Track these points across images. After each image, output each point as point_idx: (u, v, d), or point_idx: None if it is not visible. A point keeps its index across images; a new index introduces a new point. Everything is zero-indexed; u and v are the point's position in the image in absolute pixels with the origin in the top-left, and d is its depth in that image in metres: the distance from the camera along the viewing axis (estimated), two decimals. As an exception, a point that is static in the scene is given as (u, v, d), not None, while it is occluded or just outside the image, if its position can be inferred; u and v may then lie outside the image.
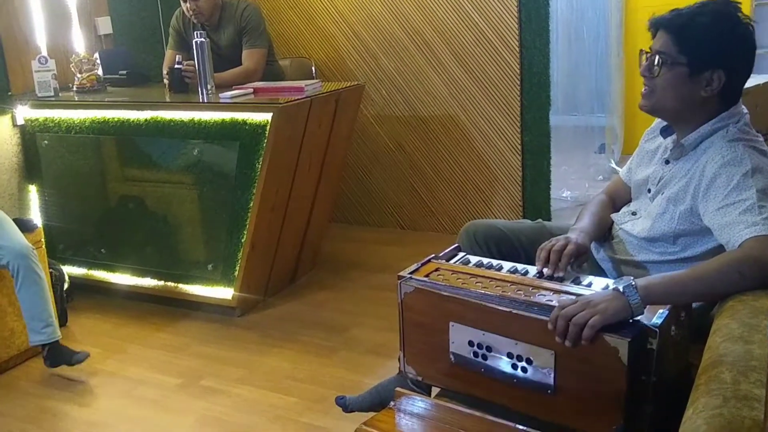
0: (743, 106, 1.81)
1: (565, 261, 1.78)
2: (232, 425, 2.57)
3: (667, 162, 1.85)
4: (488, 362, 1.64)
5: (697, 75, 1.72)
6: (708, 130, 1.76)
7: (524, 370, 1.59)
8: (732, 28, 1.71)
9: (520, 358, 1.59)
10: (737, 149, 1.68)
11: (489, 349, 1.63)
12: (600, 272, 1.94)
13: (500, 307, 1.60)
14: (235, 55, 3.74)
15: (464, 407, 1.60)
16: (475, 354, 1.66)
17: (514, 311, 1.58)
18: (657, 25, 1.77)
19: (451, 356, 1.71)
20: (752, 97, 1.84)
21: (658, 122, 1.97)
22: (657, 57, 1.75)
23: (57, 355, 2.90)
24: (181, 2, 3.67)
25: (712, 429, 1.04)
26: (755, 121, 1.80)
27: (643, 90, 1.81)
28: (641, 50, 1.83)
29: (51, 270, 3.23)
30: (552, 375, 1.54)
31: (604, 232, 2.00)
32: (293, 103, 3.21)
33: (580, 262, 1.84)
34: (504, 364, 1.62)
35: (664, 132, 1.89)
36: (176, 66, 3.58)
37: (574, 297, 1.56)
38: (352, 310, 3.39)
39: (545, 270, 1.79)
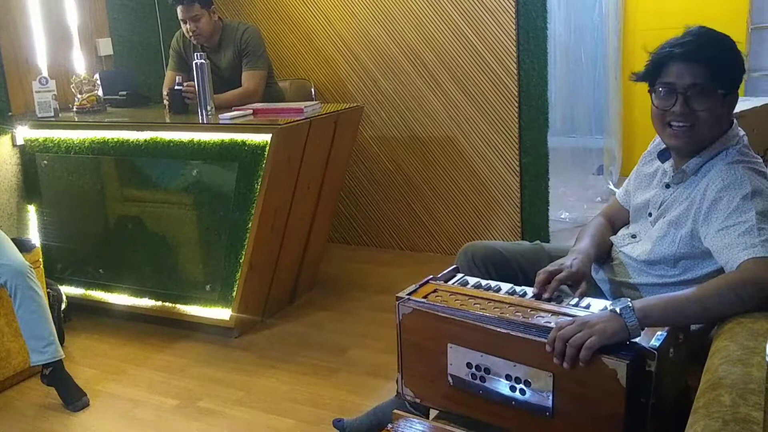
0: (740, 128, 1.82)
1: (554, 285, 1.79)
2: (229, 447, 2.55)
3: (667, 186, 1.86)
4: (486, 384, 1.64)
5: (727, 100, 1.74)
6: (709, 155, 1.77)
7: (522, 392, 1.58)
8: (736, 47, 1.75)
9: (518, 380, 1.58)
10: (737, 172, 1.69)
11: (487, 371, 1.63)
12: (599, 293, 1.94)
13: (498, 329, 1.60)
14: (234, 76, 3.76)
15: (462, 429, 1.60)
16: (474, 376, 1.65)
17: (513, 333, 1.58)
18: (670, 58, 1.72)
19: (449, 378, 1.70)
20: (749, 119, 1.85)
21: (654, 145, 1.97)
22: (691, 90, 1.70)
23: (59, 380, 2.85)
24: (181, 23, 3.70)
25: (711, 452, 1.04)
26: (753, 144, 1.81)
27: (678, 129, 1.74)
28: (650, 90, 1.78)
29: (49, 290, 3.22)
30: (550, 398, 1.54)
31: (603, 255, 2.00)
32: (292, 124, 3.23)
33: (577, 287, 1.83)
34: (502, 387, 1.61)
35: (662, 156, 1.89)
36: (176, 87, 3.60)
37: (571, 318, 1.56)
38: (350, 331, 3.38)
39: (533, 289, 1.81)
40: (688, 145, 1.77)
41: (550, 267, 1.85)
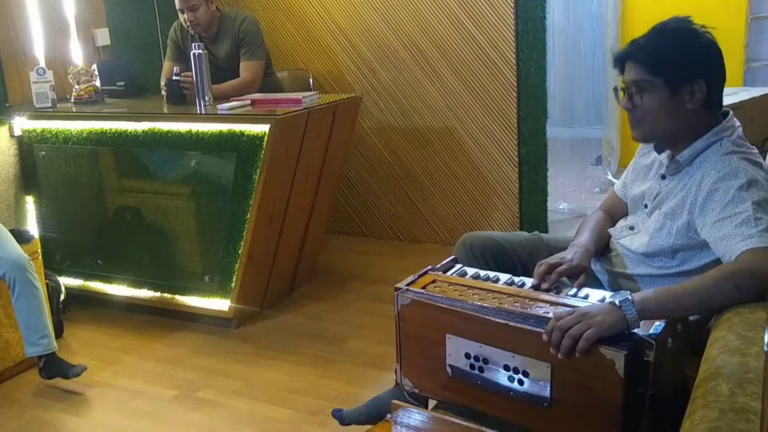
0: (735, 119, 1.82)
1: (554, 277, 1.79)
2: (228, 437, 2.56)
3: (663, 177, 1.86)
4: (485, 374, 1.64)
5: (678, 91, 1.74)
6: (702, 145, 1.77)
7: (521, 382, 1.58)
8: (695, 38, 1.75)
9: (516, 371, 1.59)
10: (732, 162, 1.69)
11: (486, 361, 1.63)
12: (597, 284, 1.95)
13: (497, 319, 1.60)
14: (232, 67, 3.75)
15: (461, 419, 1.60)
16: (472, 366, 1.66)
17: (511, 323, 1.58)
18: (622, 59, 1.80)
19: (448, 368, 1.70)
20: (747, 110, 1.85)
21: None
22: (633, 87, 1.77)
23: (53, 367, 2.88)
24: (179, 13, 3.68)
25: (709, 442, 1.04)
26: (750, 134, 1.81)
27: (631, 122, 1.82)
28: (615, 88, 1.87)
29: (47, 281, 3.22)
30: (548, 388, 1.54)
31: (603, 248, 2.00)
32: (291, 114, 3.22)
33: (576, 280, 1.84)
34: (501, 377, 1.61)
35: (658, 148, 1.90)
36: (174, 78, 3.59)
37: (570, 309, 1.56)
38: (349, 322, 3.38)
39: (532, 281, 1.81)
40: (640, 136, 1.84)
41: (551, 259, 1.85)
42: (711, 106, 1.78)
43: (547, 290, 1.76)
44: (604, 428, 1.48)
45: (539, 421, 1.58)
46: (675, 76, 1.73)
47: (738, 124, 1.81)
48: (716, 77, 1.77)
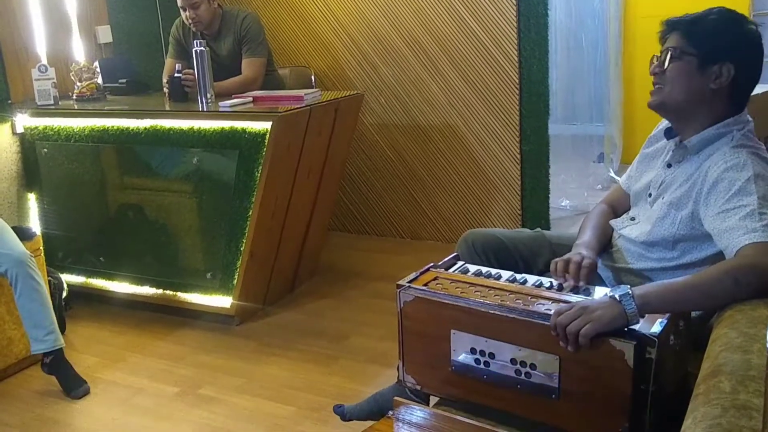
0: (748, 115, 1.82)
1: (585, 272, 1.78)
2: (230, 434, 2.56)
3: (669, 166, 1.86)
4: (491, 369, 1.64)
5: (707, 67, 1.74)
6: (712, 134, 1.77)
7: (528, 375, 1.59)
8: (741, 25, 1.77)
9: (524, 364, 1.59)
10: (741, 155, 1.69)
11: (492, 355, 1.63)
12: (600, 281, 1.94)
13: (503, 314, 1.60)
14: (234, 64, 3.75)
15: (462, 416, 1.60)
16: (478, 361, 1.66)
17: (518, 317, 1.58)
18: (668, 27, 1.82)
19: (452, 364, 1.71)
20: (752, 105, 1.85)
21: (659, 128, 1.97)
22: (668, 52, 1.79)
23: (59, 368, 2.87)
24: (181, 11, 3.68)
25: (711, 438, 1.04)
26: (755, 130, 1.81)
27: (654, 88, 1.83)
28: (653, 56, 1.87)
29: (49, 278, 3.23)
30: (557, 379, 1.55)
31: (606, 243, 2.00)
32: (293, 111, 3.22)
33: (592, 276, 1.84)
34: (508, 370, 1.62)
35: (668, 134, 1.90)
36: (176, 75, 3.59)
37: (570, 304, 1.56)
38: (351, 319, 3.39)
39: (567, 282, 1.77)
40: (654, 103, 1.83)
41: (570, 258, 1.81)
42: (734, 96, 1.77)
43: (580, 290, 1.74)
44: (613, 418, 1.49)
45: (547, 413, 1.58)
46: (707, 52, 1.74)
47: (750, 119, 1.81)
48: (748, 67, 1.77)
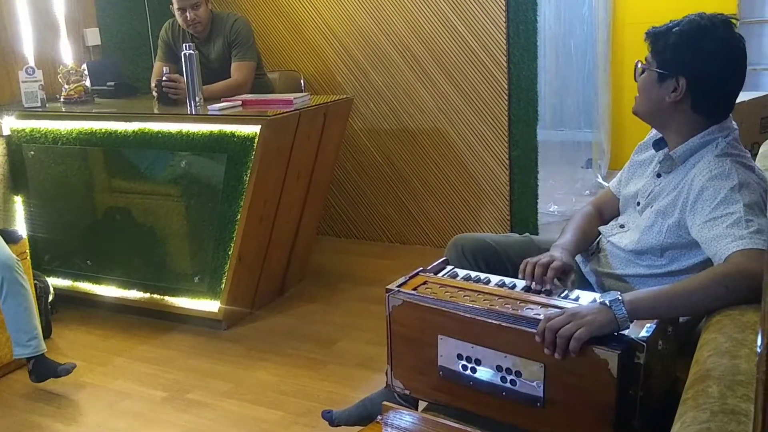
0: (733, 122, 1.83)
1: (551, 274, 1.78)
2: (217, 439, 2.55)
3: (658, 176, 1.87)
4: (477, 375, 1.64)
5: (664, 80, 1.77)
6: (696, 143, 1.78)
7: (513, 383, 1.59)
8: (701, 39, 1.73)
9: (509, 371, 1.59)
10: (725, 164, 1.70)
11: (478, 362, 1.63)
12: (587, 286, 1.95)
13: (489, 320, 1.60)
14: (224, 67, 3.74)
15: (451, 421, 1.60)
16: (464, 367, 1.66)
17: (503, 324, 1.58)
18: (645, 36, 1.86)
19: (440, 369, 1.70)
20: (736, 114, 1.85)
21: (650, 136, 1.98)
22: (639, 63, 1.86)
23: (42, 368, 2.86)
24: (179, 12, 3.64)
25: (700, 443, 1.04)
26: (740, 138, 1.82)
27: None
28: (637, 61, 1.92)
29: (36, 281, 3.20)
30: (541, 388, 1.54)
31: (587, 246, 2.00)
32: (282, 115, 3.21)
33: (567, 278, 1.84)
34: (493, 377, 1.61)
35: (656, 145, 1.91)
36: (164, 78, 3.57)
37: (560, 309, 1.56)
38: (340, 323, 3.38)
39: (532, 285, 1.79)
40: (634, 111, 1.89)
41: (541, 258, 1.82)
42: (699, 109, 1.77)
43: (544, 292, 1.75)
44: (597, 427, 1.49)
45: (532, 421, 1.58)
46: (663, 65, 1.77)
47: (735, 126, 1.82)
48: (704, 83, 1.74)
